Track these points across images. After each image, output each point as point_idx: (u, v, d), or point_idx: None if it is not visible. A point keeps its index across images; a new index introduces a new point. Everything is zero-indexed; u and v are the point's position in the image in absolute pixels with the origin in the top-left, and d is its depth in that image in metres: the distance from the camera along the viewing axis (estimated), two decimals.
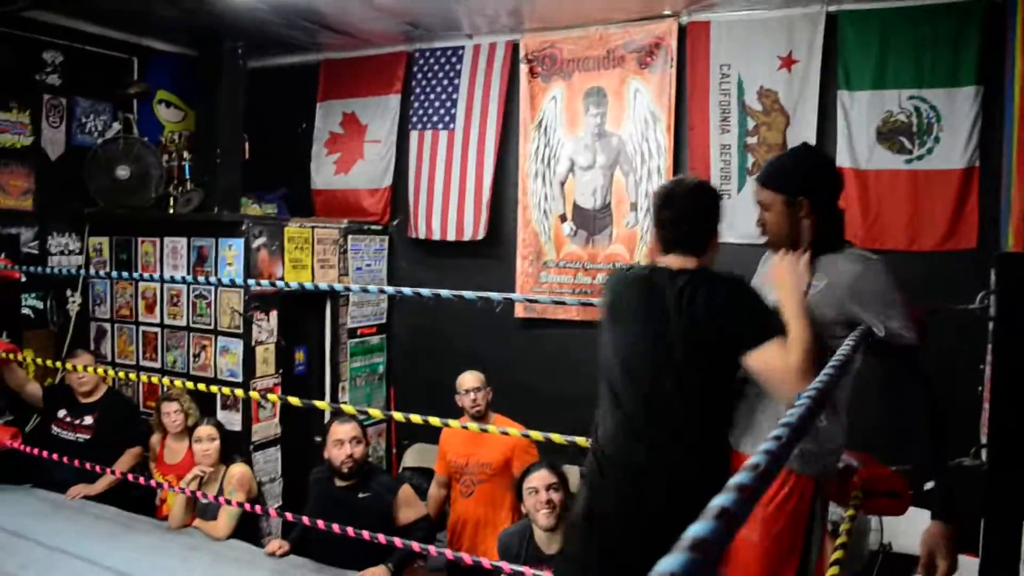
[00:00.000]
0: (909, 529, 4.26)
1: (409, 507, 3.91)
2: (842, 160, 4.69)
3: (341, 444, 3.81)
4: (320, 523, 3.33)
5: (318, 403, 3.53)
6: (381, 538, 3.17)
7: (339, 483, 3.86)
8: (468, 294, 3.22)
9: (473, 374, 4.52)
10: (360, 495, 3.82)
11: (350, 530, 3.24)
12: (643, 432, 2.36)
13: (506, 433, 3.64)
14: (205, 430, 4.20)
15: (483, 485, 4.34)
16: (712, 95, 5.03)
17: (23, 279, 4.80)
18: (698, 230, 2.47)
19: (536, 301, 5.36)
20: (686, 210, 2.47)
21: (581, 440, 3.17)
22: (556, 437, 3.22)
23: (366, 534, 3.19)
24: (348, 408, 3.70)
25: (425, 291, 3.37)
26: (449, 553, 3.40)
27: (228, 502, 3.81)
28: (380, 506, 3.79)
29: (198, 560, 3.69)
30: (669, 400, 2.33)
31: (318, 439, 5.32)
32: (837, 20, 4.72)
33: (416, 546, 3.26)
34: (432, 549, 3.23)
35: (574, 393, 4.96)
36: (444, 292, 3.29)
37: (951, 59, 4.49)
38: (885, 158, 4.65)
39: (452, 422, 3.55)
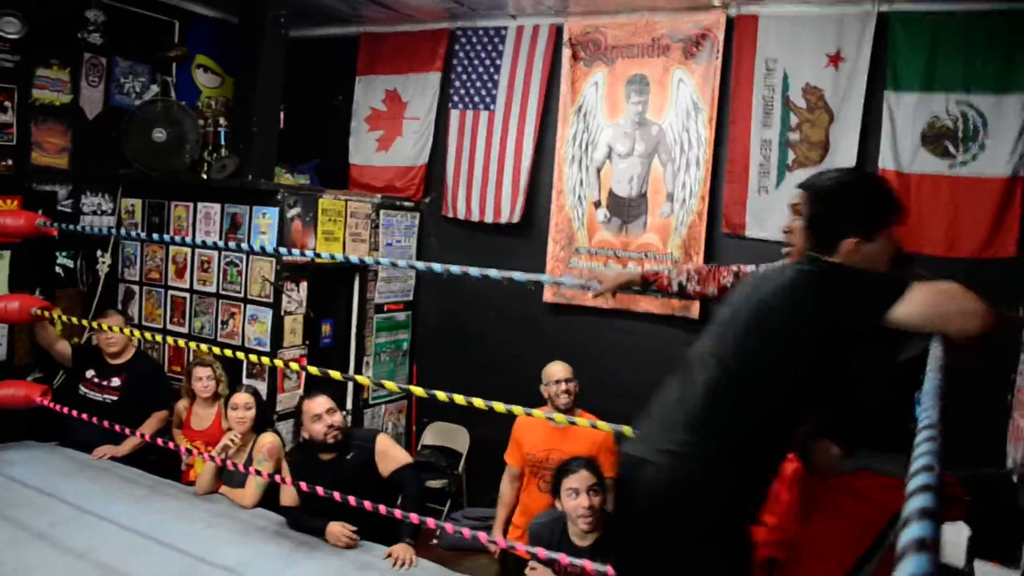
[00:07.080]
0: (954, 540, 4.26)
1: (388, 457, 3.82)
2: (885, 162, 4.67)
3: (319, 418, 3.78)
4: (336, 495, 3.32)
5: (359, 378, 3.52)
6: (382, 509, 3.20)
7: (324, 456, 3.83)
8: (497, 273, 3.16)
9: (562, 364, 4.27)
10: (347, 458, 3.81)
11: (352, 499, 3.27)
12: None
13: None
14: (242, 398, 4.17)
15: None
16: (756, 89, 4.99)
17: (56, 237, 4.80)
18: None
19: (560, 284, 5.19)
20: None
21: None
22: None
23: (368, 504, 3.24)
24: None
25: (455, 268, 3.34)
26: (467, 532, 3.30)
27: (258, 472, 3.82)
28: (366, 463, 3.78)
29: (224, 527, 3.69)
30: None
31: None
32: (888, 20, 4.66)
33: (431, 522, 3.27)
34: (467, 532, 3.22)
35: (600, 380, 4.97)
36: (472, 270, 3.25)
37: (1002, 66, 4.44)
38: (929, 162, 4.60)
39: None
